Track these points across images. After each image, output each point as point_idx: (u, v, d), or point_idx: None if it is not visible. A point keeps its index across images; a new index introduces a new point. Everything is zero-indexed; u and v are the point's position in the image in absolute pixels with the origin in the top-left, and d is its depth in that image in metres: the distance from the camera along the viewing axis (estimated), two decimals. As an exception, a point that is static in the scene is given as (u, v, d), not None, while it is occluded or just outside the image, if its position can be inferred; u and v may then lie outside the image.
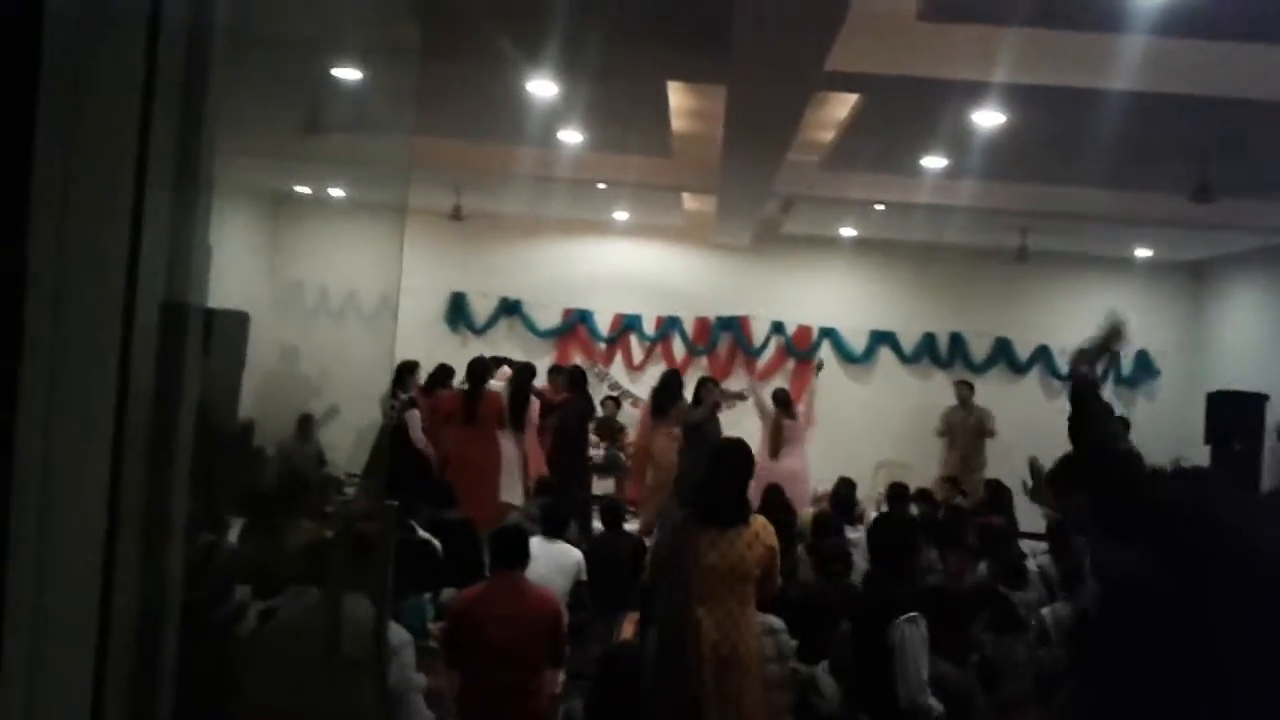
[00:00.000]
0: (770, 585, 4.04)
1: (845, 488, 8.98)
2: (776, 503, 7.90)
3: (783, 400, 9.68)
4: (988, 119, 5.55)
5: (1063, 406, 2.90)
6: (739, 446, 4.17)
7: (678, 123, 6.66)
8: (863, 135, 6.26)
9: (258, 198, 11.78)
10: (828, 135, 6.76)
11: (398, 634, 3.41)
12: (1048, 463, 5.25)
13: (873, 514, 8.81)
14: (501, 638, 4.41)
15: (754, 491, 8.78)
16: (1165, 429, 10.35)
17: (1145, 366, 11.60)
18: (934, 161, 6.89)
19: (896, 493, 8.33)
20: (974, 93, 4.90)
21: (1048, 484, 4.96)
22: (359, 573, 3.41)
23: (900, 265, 11.72)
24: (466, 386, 9.04)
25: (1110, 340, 2.90)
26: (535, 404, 9.21)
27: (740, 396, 10.00)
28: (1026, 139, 5.98)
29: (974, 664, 4.54)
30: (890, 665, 3.79)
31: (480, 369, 9.14)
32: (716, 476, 4.05)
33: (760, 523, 4.01)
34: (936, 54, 4.36)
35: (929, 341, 11.94)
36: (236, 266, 11.15)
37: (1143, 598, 2.23)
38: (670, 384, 9.26)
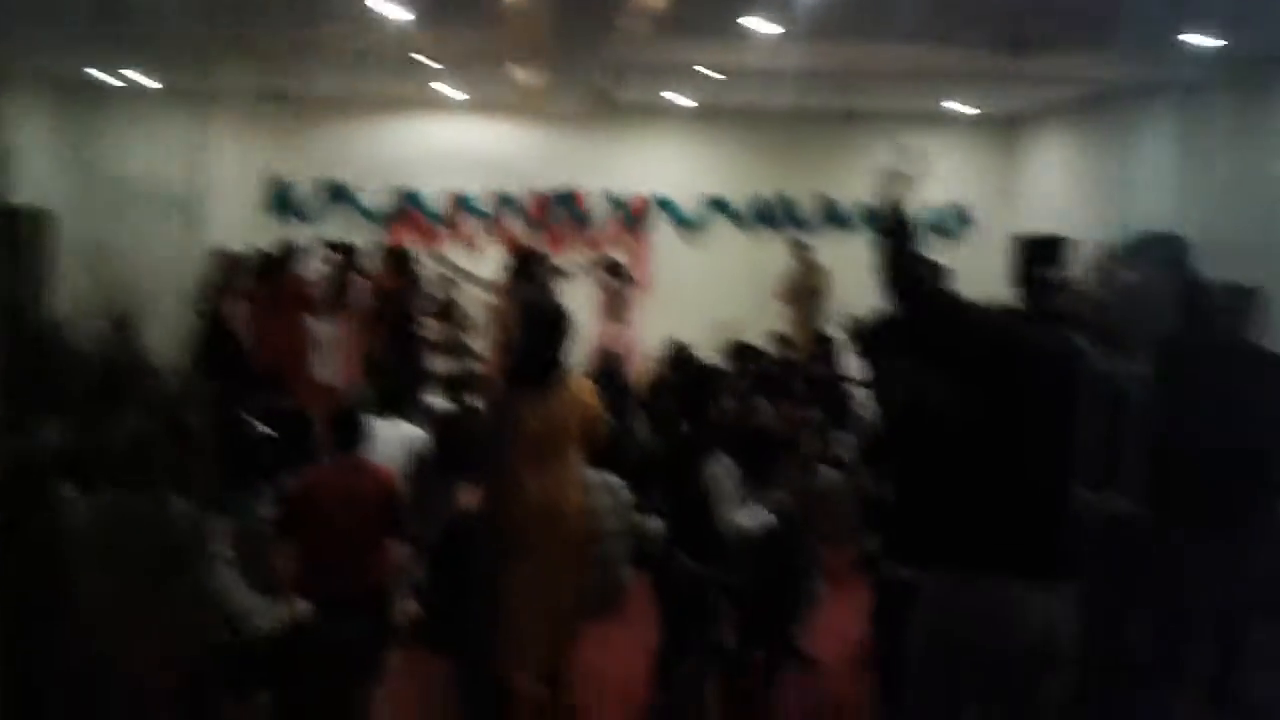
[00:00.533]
0: (595, 442, 4.14)
1: (679, 350, 9.27)
2: (612, 366, 8.12)
3: (614, 269, 9.82)
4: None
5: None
6: (552, 310, 4.27)
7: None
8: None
9: (60, 91, 10.97)
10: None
11: (218, 525, 3.42)
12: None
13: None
14: (338, 516, 4.45)
15: (592, 356, 9.05)
16: (979, 277, 10.89)
17: (959, 218, 12.16)
18: (756, 23, 6.92)
19: (733, 350, 8.60)
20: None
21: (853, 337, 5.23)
22: (181, 465, 3.38)
23: (733, 132, 11.85)
24: (289, 273, 8.85)
25: (895, 187, 3.07)
26: (362, 286, 9.09)
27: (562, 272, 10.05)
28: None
29: (788, 497, 4.86)
30: (705, 503, 4.04)
31: (285, 254, 8.96)
32: (529, 341, 4.13)
33: (579, 383, 4.12)
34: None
35: (762, 206, 12.18)
36: (39, 163, 10.45)
37: (933, 404, 2.57)
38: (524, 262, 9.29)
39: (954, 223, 12.18)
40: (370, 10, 6.74)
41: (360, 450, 4.70)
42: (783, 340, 9.78)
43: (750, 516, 4.08)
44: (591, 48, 6.96)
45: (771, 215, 12.21)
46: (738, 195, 12.17)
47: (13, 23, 7.65)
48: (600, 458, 4.31)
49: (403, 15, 6.90)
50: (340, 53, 8.04)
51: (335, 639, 4.24)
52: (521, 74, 9.16)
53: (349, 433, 4.66)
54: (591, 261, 10.29)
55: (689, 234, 12.20)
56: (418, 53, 8.10)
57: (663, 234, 12.19)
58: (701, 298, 11.69)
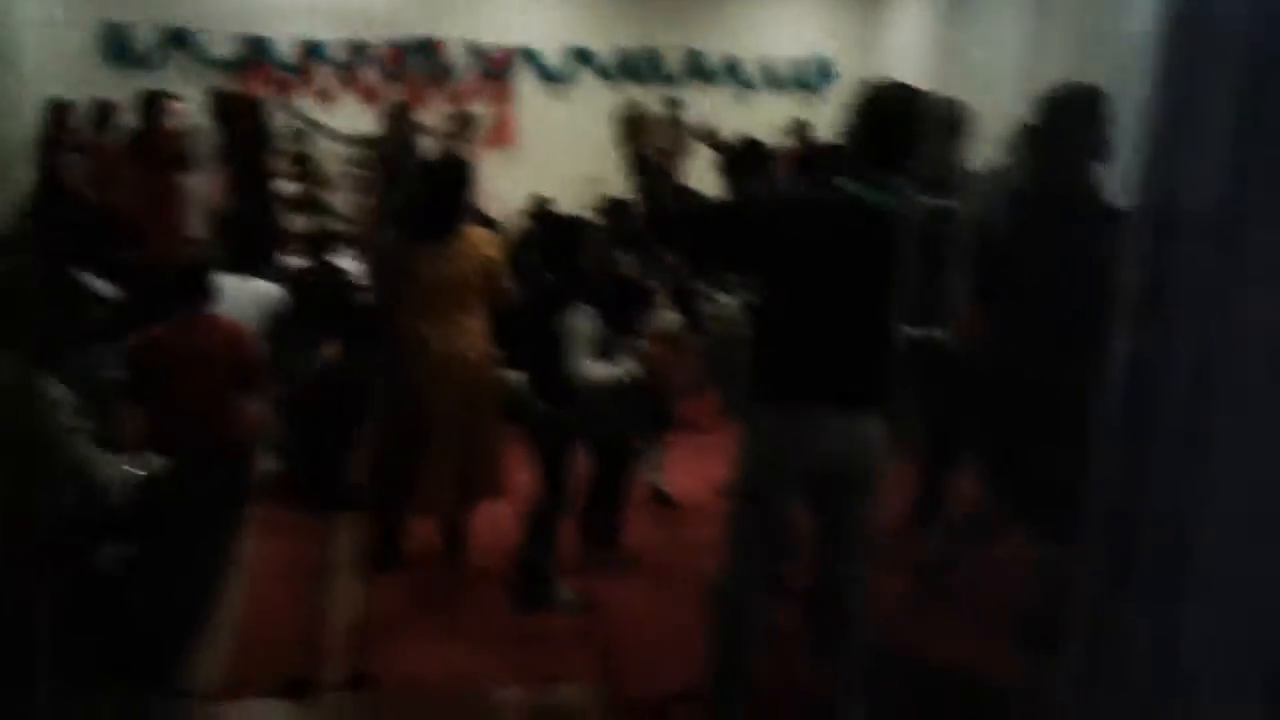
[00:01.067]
0: (500, 293, 4.22)
1: (541, 204, 9.25)
2: (479, 219, 8.02)
3: (469, 120, 9.62)
4: None
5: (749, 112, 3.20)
6: (449, 161, 4.28)
7: None
8: None
9: None
10: None
11: (55, 388, 3.32)
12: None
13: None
14: (187, 373, 4.38)
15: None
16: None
17: (822, 71, 12.22)
18: None
19: (603, 205, 8.56)
20: None
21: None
22: (9, 323, 3.24)
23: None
24: (136, 126, 8.35)
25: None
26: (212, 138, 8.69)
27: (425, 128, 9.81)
28: None
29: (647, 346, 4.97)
30: (560, 353, 4.11)
31: (154, 106, 8.46)
32: (425, 192, 4.16)
33: (478, 233, 4.17)
34: None
35: (628, 58, 11.98)
36: None
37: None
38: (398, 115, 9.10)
39: (817, 76, 12.23)
40: None
41: (209, 307, 4.59)
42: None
43: (604, 368, 4.16)
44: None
45: (637, 68, 12.03)
46: (602, 47, 11.93)
47: None
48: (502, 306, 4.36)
49: None
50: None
51: (191, 490, 4.21)
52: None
53: (195, 289, 4.54)
54: (448, 116, 10.01)
55: (553, 87, 11.95)
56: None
57: (526, 86, 11.91)
58: (567, 152, 11.53)
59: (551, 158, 11.35)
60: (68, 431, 3.24)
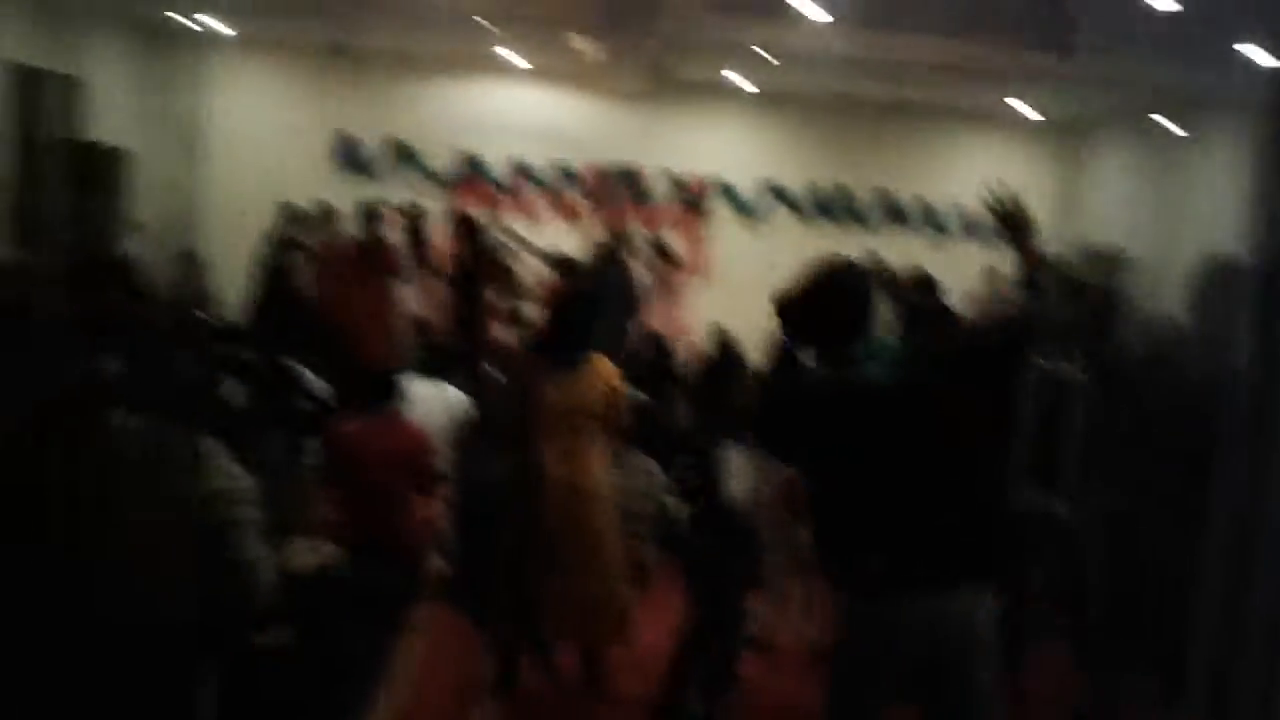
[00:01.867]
0: (617, 422, 4.21)
1: (723, 336, 9.29)
2: (656, 348, 8.16)
3: (664, 250, 9.84)
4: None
5: (945, 259, 3.14)
6: (580, 290, 4.36)
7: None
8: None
9: (140, 34, 11.18)
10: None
11: (236, 473, 3.46)
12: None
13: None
14: (368, 470, 4.56)
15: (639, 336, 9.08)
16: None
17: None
18: (809, 7, 6.90)
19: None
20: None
21: None
22: (223, 406, 3.45)
23: (792, 117, 11.81)
24: (358, 233, 8.96)
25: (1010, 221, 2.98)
26: (429, 250, 9.24)
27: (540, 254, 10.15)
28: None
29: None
30: (717, 484, 4.08)
31: (373, 215, 9.07)
32: (556, 318, 4.28)
33: (603, 363, 4.18)
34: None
35: (821, 196, 12.11)
36: (116, 102, 10.68)
37: None
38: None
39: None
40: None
41: (396, 408, 4.79)
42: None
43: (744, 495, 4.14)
44: (645, 22, 6.98)
45: (830, 207, 12.14)
46: (796, 182, 12.11)
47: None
48: (629, 437, 4.38)
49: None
50: (405, 10, 8.11)
51: (361, 584, 4.33)
52: (581, 45, 9.17)
53: (384, 390, 4.77)
54: (646, 242, 10.30)
55: (747, 219, 12.16)
56: (479, 15, 8.14)
57: (721, 217, 12.17)
58: (757, 284, 11.63)
59: (741, 289, 11.51)
60: (239, 523, 3.37)
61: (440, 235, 9.68)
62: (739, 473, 4.19)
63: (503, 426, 4.60)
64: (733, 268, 11.74)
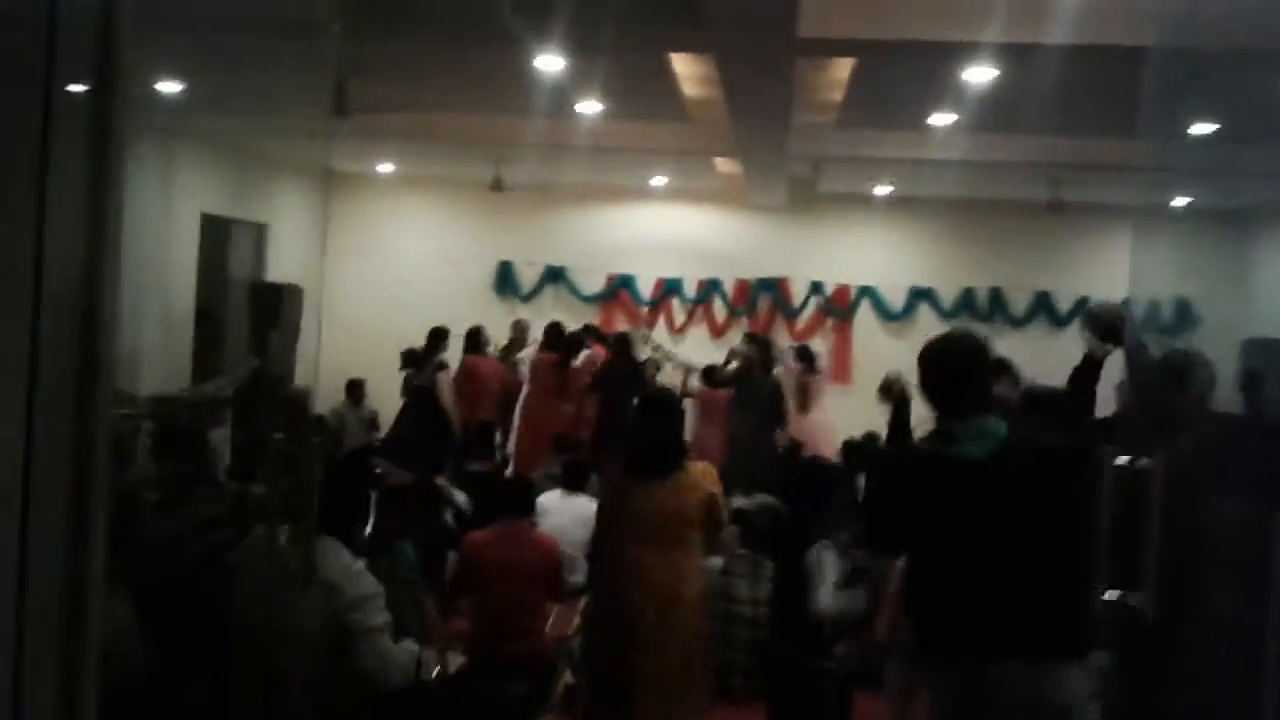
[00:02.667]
0: (716, 530, 4.16)
1: (869, 441, 9.22)
2: (795, 454, 8.21)
3: (805, 356, 9.89)
4: (980, 75, 5.67)
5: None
6: (663, 396, 4.44)
7: (693, 89, 6.86)
8: (865, 96, 6.40)
9: (309, 175, 12.24)
10: (839, 96, 6.91)
11: (367, 581, 3.68)
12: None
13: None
14: (499, 580, 4.77)
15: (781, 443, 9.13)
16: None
17: (1185, 315, 11.54)
18: (942, 119, 7.00)
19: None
20: (955, 52, 5.04)
21: None
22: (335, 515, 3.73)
23: (937, 221, 11.77)
24: (557, 354, 9.54)
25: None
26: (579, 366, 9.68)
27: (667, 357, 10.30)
28: (1027, 92, 6.08)
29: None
30: (805, 586, 4.09)
31: (575, 341, 9.68)
32: (642, 428, 4.23)
33: (700, 469, 4.13)
34: (909, 16, 4.51)
35: (968, 297, 12.00)
36: (291, 242, 11.67)
37: None
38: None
39: (1177, 318, 11.57)
40: (573, 108, 7.28)
41: (528, 519, 5.03)
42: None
43: (842, 599, 4.12)
44: (776, 143, 7.22)
45: (977, 306, 11.99)
46: (942, 286, 12.04)
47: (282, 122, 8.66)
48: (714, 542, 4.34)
49: (601, 111, 7.41)
50: (554, 146, 8.63)
51: (488, 694, 4.52)
52: (725, 166, 9.52)
53: (514, 500, 5.01)
54: (785, 349, 10.41)
55: (893, 324, 12.14)
56: (618, 147, 8.60)
57: (866, 322, 12.20)
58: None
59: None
60: (368, 630, 3.59)
61: (590, 352, 10.07)
62: (829, 576, 4.20)
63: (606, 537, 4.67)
64: (877, 372, 11.69)
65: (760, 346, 9.91)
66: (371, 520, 4.94)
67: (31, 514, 1.38)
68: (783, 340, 11.53)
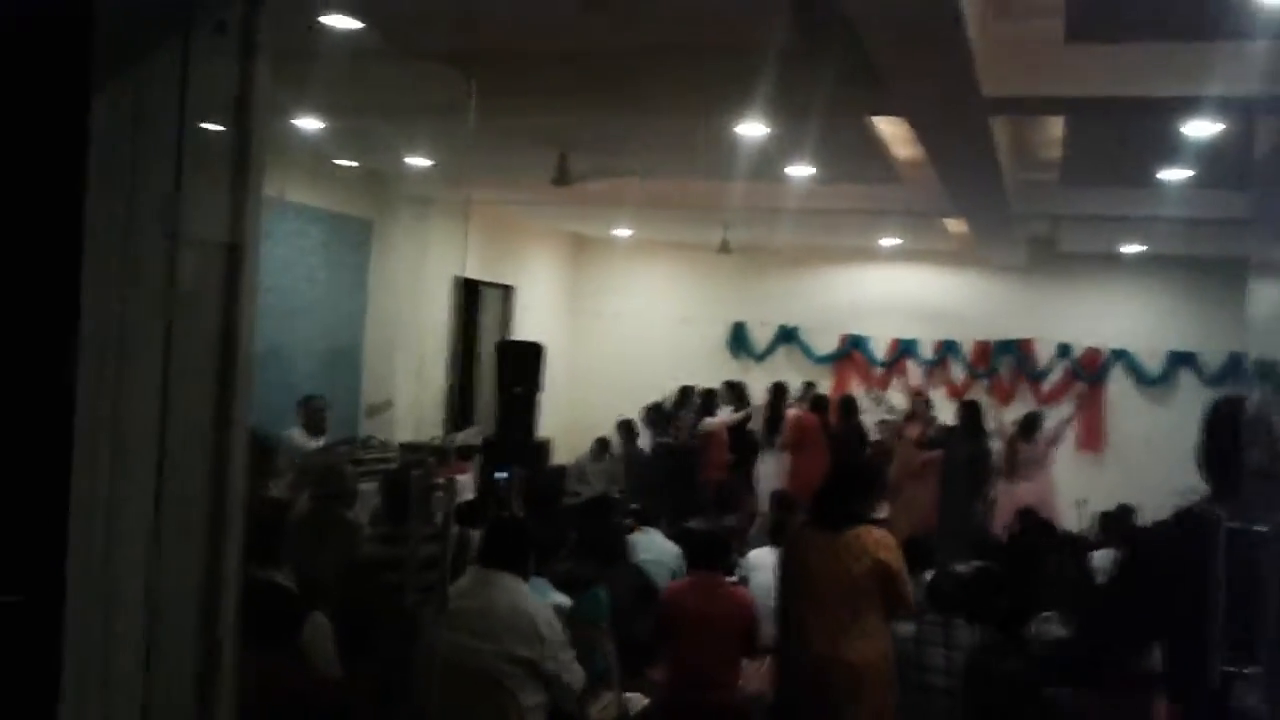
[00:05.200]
0: (896, 602, 4.01)
1: (1123, 515, 8.67)
2: (1027, 524, 7.86)
3: (1027, 425, 9.50)
4: (1202, 129, 5.40)
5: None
6: (857, 458, 4.38)
7: (901, 150, 6.90)
8: (1083, 152, 6.23)
9: (558, 240, 13.01)
10: (1058, 153, 6.75)
11: (555, 628, 3.94)
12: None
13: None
14: (693, 631, 4.89)
15: (997, 513, 8.78)
16: None
17: None
18: (1172, 173, 6.67)
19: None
20: (1166, 107, 4.85)
21: None
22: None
23: (1194, 282, 11.04)
24: (831, 417, 9.90)
25: None
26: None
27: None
28: (1261, 145, 5.73)
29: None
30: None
31: (849, 405, 9.86)
32: (829, 483, 4.23)
33: (876, 536, 3.99)
34: (1084, 72, 4.41)
35: (1235, 361, 11.12)
36: (537, 302, 12.40)
37: None
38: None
39: None
40: (783, 171, 7.45)
41: (717, 569, 5.14)
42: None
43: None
44: (995, 201, 7.09)
45: (1244, 372, 11.06)
46: (1203, 349, 11.22)
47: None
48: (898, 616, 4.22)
49: (814, 175, 7.54)
50: (774, 210, 8.82)
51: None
52: (953, 225, 9.39)
53: (707, 552, 5.15)
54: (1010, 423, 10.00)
55: (1149, 390, 11.44)
56: (840, 207, 8.68)
57: (1118, 387, 11.55)
58: (1158, 458, 10.87)
59: (1145, 462, 10.83)
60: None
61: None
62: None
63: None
64: (1131, 438, 11.09)
65: (965, 408, 9.59)
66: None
67: (165, 546, 1.59)
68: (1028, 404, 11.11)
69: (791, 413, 10.11)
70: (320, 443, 7.47)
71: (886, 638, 4.08)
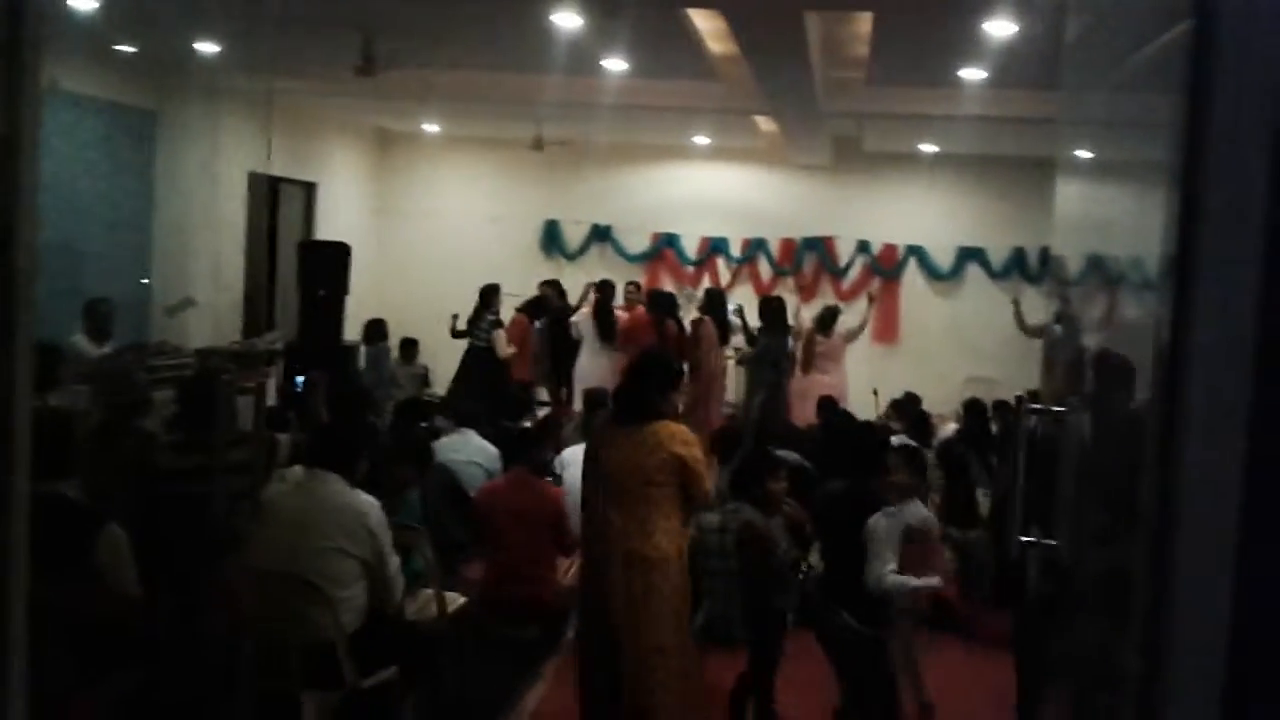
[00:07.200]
0: (694, 493, 3.99)
1: (910, 402, 9.16)
2: (831, 412, 8.18)
3: (824, 320, 9.85)
4: (1002, 29, 5.58)
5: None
6: (654, 353, 4.41)
7: (717, 45, 6.86)
8: (890, 51, 6.35)
9: (364, 136, 12.46)
10: (865, 51, 6.85)
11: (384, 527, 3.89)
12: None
13: (952, 428, 8.96)
14: (507, 527, 4.91)
15: (797, 404, 9.12)
16: None
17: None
18: (972, 73, 6.90)
19: (973, 407, 8.46)
20: (969, 5, 4.98)
21: None
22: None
23: (986, 179, 11.59)
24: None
25: None
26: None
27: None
28: (1055, 46, 5.95)
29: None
30: (861, 556, 4.09)
31: (669, 302, 9.73)
32: (626, 380, 4.18)
33: (669, 430, 3.94)
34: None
35: (1019, 256, 11.80)
36: (341, 200, 11.90)
37: None
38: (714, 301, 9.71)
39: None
40: (599, 65, 7.31)
41: (528, 467, 5.15)
42: (1031, 395, 9.45)
43: (906, 579, 4.11)
44: (805, 99, 7.18)
45: (1028, 267, 11.78)
46: (992, 245, 11.85)
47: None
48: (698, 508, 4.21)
49: (627, 69, 7.43)
50: (589, 105, 8.67)
51: (497, 637, 4.67)
52: (764, 124, 9.48)
53: (521, 451, 5.14)
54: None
55: (940, 284, 12.02)
56: (654, 104, 8.62)
57: (913, 282, 12.09)
58: (948, 350, 11.52)
59: (935, 354, 11.45)
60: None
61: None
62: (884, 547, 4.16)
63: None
64: (923, 332, 11.70)
65: (768, 303, 9.83)
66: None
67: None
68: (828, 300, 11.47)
69: (622, 313, 10.14)
70: (107, 349, 7.00)
71: (683, 531, 4.07)
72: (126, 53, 8.12)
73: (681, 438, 3.95)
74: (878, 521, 4.21)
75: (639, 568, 3.87)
